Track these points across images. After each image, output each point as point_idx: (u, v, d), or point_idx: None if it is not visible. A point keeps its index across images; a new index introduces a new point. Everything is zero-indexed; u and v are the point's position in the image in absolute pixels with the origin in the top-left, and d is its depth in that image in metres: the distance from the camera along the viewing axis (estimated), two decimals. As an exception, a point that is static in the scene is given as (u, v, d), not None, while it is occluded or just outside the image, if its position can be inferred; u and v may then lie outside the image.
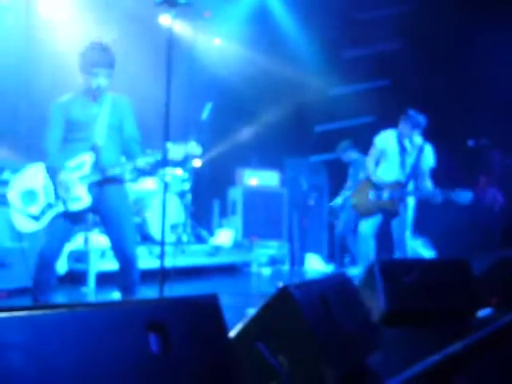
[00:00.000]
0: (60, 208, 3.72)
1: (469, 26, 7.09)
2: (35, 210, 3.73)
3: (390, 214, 5.59)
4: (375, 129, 5.99)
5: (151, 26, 7.89)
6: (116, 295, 5.17)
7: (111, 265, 5.75)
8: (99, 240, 5.97)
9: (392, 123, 5.78)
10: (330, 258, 8.73)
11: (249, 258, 8.00)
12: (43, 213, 3.72)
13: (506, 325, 2.30)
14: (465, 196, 5.20)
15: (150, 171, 4.07)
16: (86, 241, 5.98)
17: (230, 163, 8.94)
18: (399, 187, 5.57)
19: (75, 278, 5.81)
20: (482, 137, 6.45)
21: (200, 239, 7.86)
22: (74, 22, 6.89)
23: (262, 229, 8.51)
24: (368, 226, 5.77)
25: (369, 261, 4.80)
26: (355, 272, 5.85)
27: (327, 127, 9.05)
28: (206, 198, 9.14)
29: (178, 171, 7.56)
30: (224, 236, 7.93)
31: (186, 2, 3.84)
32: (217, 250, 7.50)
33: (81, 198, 3.71)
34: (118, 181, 3.88)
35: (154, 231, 6.87)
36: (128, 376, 1.67)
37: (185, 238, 7.33)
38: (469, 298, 4.07)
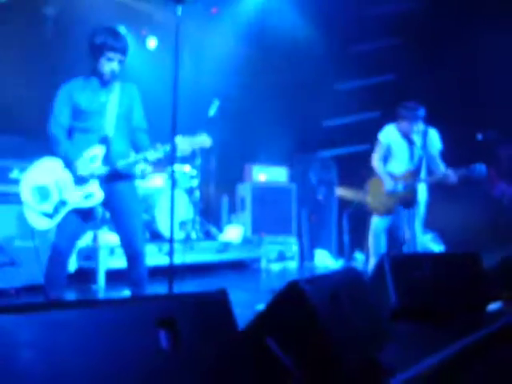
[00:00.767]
0: (73, 204, 3.68)
1: (476, 17, 7.04)
2: (48, 207, 3.68)
3: (408, 203, 5.56)
4: (383, 124, 5.96)
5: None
6: (126, 292, 5.19)
7: (120, 262, 5.76)
8: (108, 238, 5.99)
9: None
10: (338, 253, 8.71)
11: (258, 254, 8.00)
12: (56, 210, 3.67)
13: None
14: (479, 168, 5.17)
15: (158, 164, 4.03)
16: (95, 238, 6.00)
17: (238, 159, 8.93)
18: (411, 177, 5.56)
19: (84, 275, 5.83)
20: (491, 130, 6.42)
21: (209, 236, 7.86)
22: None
23: (271, 225, 8.50)
24: (380, 222, 5.76)
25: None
26: None
27: (335, 122, 9.03)
28: (215, 194, 9.15)
29: (187, 168, 7.56)
30: (233, 232, 7.93)
31: (193, -1, 3.83)
32: (226, 246, 7.50)
33: (93, 194, 3.68)
34: (128, 176, 3.85)
35: (163, 228, 6.87)
36: (138, 372, 1.67)
37: (194, 235, 7.33)
38: (479, 292, 4.05)
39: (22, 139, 5.72)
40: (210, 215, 8.56)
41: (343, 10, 8.00)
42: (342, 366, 2.28)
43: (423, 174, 5.62)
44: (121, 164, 3.71)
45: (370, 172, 5.91)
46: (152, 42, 8.98)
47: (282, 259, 8.31)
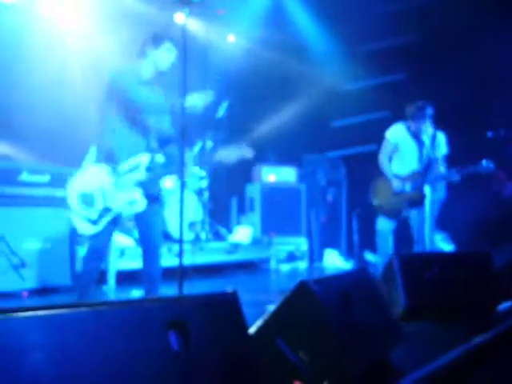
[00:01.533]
0: (116, 210, 3.74)
1: (487, 16, 7.00)
2: (93, 214, 3.73)
3: (416, 203, 5.54)
4: (392, 123, 5.94)
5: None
6: (136, 293, 5.20)
7: (130, 263, 5.80)
8: (118, 239, 6.00)
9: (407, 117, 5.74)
10: (348, 253, 8.69)
11: (267, 255, 8.00)
12: (101, 217, 3.73)
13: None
14: (486, 164, 5.17)
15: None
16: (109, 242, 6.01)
17: (247, 160, 8.92)
18: (418, 177, 5.55)
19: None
20: (501, 129, 6.38)
21: (218, 236, 7.86)
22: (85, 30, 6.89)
23: (281, 225, 8.50)
24: (387, 223, 5.74)
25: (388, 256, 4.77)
26: None
27: (344, 122, 9.01)
28: (224, 195, 9.14)
29: (196, 169, 7.57)
30: (242, 233, 7.93)
31: (199, 0, 3.84)
32: (235, 247, 7.51)
33: (137, 202, 3.74)
34: None
35: (173, 229, 6.89)
36: (149, 373, 1.68)
37: (203, 236, 7.34)
38: (489, 292, 4.03)
39: (33, 143, 5.76)
40: (219, 216, 8.55)
41: (353, 8, 7.99)
42: (352, 367, 2.28)
43: (429, 174, 5.61)
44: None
45: (379, 172, 5.88)
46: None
47: (291, 260, 8.31)
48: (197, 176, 7.56)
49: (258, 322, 2.44)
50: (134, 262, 5.39)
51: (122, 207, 3.74)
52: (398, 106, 6.03)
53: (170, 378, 1.73)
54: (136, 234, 4.18)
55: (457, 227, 6.96)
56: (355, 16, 8.09)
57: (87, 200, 3.74)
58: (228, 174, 9.03)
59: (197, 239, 7.10)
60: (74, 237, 5.32)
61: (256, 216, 8.56)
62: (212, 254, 7.08)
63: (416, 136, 5.67)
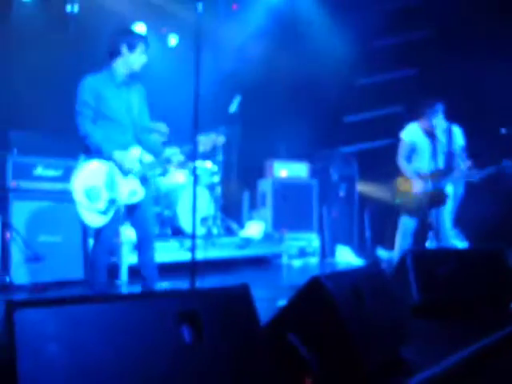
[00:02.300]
0: (120, 201, 3.93)
1: (501, 10, 6.95)
2: (101, 205, 3.89)
3: (438, 202, 5.52)
4: (405, 119, 5.92)
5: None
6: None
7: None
8: (130, 233, 6.03)
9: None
10: (360, 249, 8.67)
11: (279, 250, 8.00)
12: (108, 207, 3.90)
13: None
14: (505, 163, 5.15)
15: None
16: (118, 234, 6.04)
17: (259, 155, 8.93)
18: (440, 175, 5.52)
19: (108, 271, 5.87)
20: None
21: (230, 232, 7.87)
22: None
23: (292, 221, 8.49)
24: (410, 222, 5.71)
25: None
26: None
27: (356, 118, 8.98)
28: (236, 190, 9.16)
29: (208, 164, 7.58)
30: (254, 228, 7.94)
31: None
32: (247, 242, 7.51)
33: (136, 192, 3.97)
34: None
35: (185, 224, 6.91)
36: (161, 366, 1.69)
37: (215, 231, 7.35)
38: (503, 289, 4.01)
39: (47, 136, 5.79)
40: (231, 211, 8.56)
41: (366, 4, 7.95)
42: (363, 363, 2.28)
43: (450, 171, 5.58)
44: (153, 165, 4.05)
45: (391, 168, 5.86)
46: (173, 40, 9.03)
47: (303, 255, 8.31)
48: (209, 171, 7.57)
49: (270, 317, 2.45)
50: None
51: (124, 198, 3.94)
52: (411, 101, 6.01)
53: (182, 371, 1.74)
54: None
55: (470, 224, 6.93)
56: (368, 11, 8.05)
57: (93, 194, 3.89)
58: (240, 169, 9.05)
59: (209, 234, 7.11)
60: (87, 231, 5.36)
61: (268, 211, 8.55)
62: (224, 249, 7.09)
63: (430, 134, 5.65)
